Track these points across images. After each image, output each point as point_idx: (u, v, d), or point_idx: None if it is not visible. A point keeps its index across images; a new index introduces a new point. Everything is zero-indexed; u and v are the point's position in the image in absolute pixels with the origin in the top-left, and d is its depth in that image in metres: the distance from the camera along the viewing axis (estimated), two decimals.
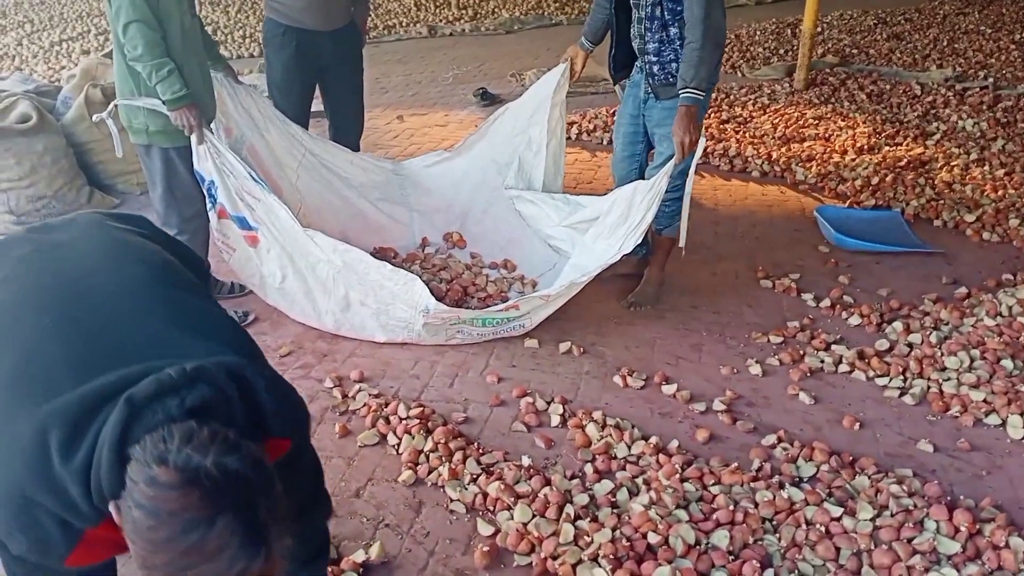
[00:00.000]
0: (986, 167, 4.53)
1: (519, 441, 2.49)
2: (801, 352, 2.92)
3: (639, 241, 2.93)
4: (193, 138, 2.83)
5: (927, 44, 7.66)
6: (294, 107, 3.61)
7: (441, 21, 9.17)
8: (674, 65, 2.91)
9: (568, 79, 3.33)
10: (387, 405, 2.59)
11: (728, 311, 3.26)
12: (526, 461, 2.34)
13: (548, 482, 2.25)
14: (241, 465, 1.01)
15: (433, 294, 2.95)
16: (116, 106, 2.89)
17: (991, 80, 6.28)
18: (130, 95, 2.82)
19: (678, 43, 2.87)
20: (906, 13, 9.24)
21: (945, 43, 7.70)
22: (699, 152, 2.86)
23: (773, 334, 3.04)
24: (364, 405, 2.61)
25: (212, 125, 2.97)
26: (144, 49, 2.67)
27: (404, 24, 8.98)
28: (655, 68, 2.97)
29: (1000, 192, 4.19)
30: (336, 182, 3.53)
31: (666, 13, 2.86)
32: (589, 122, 5.40)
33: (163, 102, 2.75)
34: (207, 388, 1.09)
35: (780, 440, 2.45)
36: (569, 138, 5.22)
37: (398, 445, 2.42)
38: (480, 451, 2.40)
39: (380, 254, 3.47)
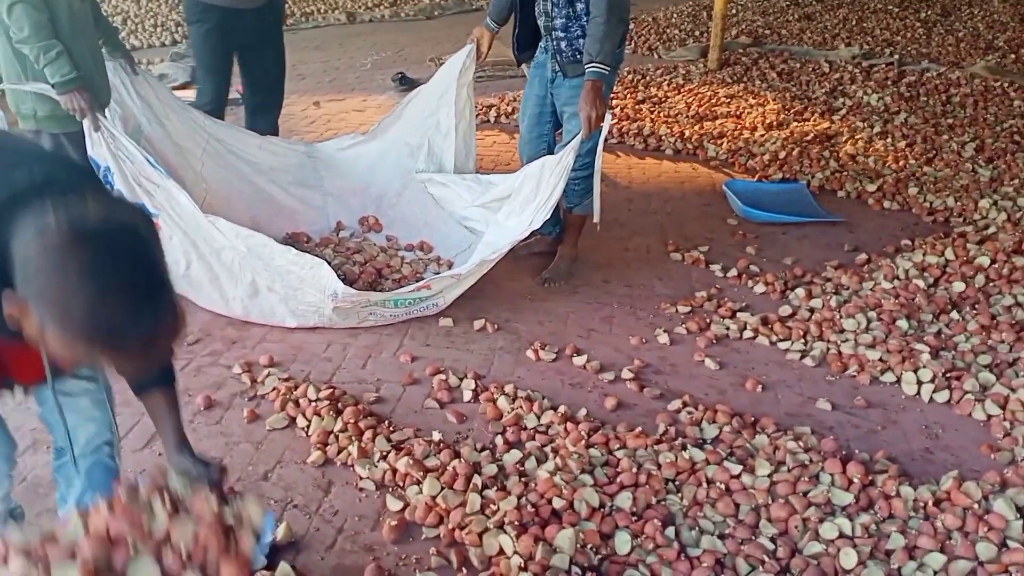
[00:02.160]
0: (889, 139, 4.69)
1: (431, 418, 2.49)
2: (708, 320, 2.99)
3: (547, 217, 2.95)
4: (86, 123, 2.74)
5: (836, 23, 7.88)
6: (215, 84, 3.68)
7: (360, 8, 9.06)
8: (581, 41, 2.93)
9: (475, 61, 3.33)
10: (296, 388, 2.56)
11: (639, 284, 3.31)
12: (437, 436, 2.35)
13: (457, 455, 2.26)
14: (127, 216, 1.13)
15: (346, 277, 2.93)
16: (2, 91, 2.78)
17: (896, 57, 6.50)
18: (16, 79, 2.72)
19: (585, 19, 2.89)
20: None
21: (854, 22, 7.94)
22: (606, 127, 2.89)
23: (681, 304, 3.10)
24: (273, 389, 2.57)
25: (108, 113, 2.88)
26: (31, 30, 2.58)
27: (322, 11, 8.84)
28: (562, 45, 2.99)
29: (901, 163, 4.35)
30: (244, 167, 3.46)
31: None
32: (507, 104, 5.41)
33: (52, 85, 2.65)
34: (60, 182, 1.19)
35: (685, 404, 2.51)
36: (488, 121, 5.24)
37: (307, 427, 2.40)
38: (391, 429, 2.40)
39: (292, 239, 3.42)
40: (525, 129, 3.32)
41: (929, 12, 8.32)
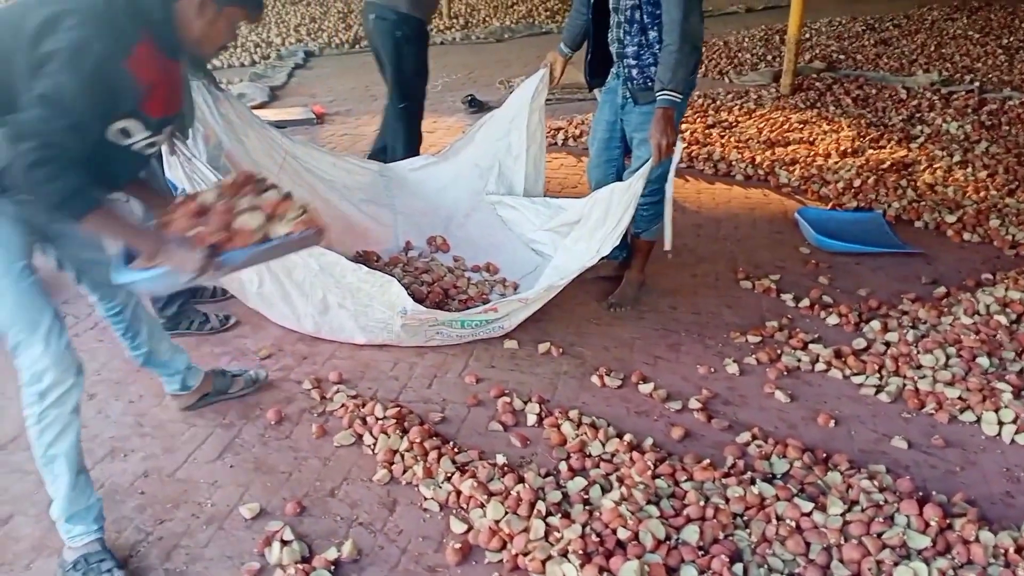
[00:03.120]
0: (968, 169, 4.55)
1: (495, 440, 2.50)
2: (778, 351, 2.93)
3: (617, 243, 2.94)
4: (164, 147, 2.84)
5: (914, 49, 7.71)
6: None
7: (432, 30, 9.20)
8: (653, 69, 2.92)
9: (547, 85, 3.36)
10: (364, 406, 2.60)
11: (707, 312, 3.27)
12: (501, 460, 2.35)
13: (521, 480, 2.26)
14: None
15: (414, 296, 2.96)
16: None
17: (977, 84, 6.32)
18: None
19: (657, 47, 2.88)
20: (895, 19, 9.30)
21: (932, 48, 7.75)
22: (677, 155, 2.87)
23: (751, 334, 3.05)
24: (341, 406, 2.62)
25: (191, 132, 2.98)
26: None
27: None
28: (634, 72, 2.99)
29: (982, 193, 4.21)
30: (318, 184, 3.54)
31: (645, 16, 2.88)
32: (576, 128, 5.43)
33: None
34: None
35: (754, 437, 2.46)
36: (555, 144, 5.26)
37: (374, 445, 2.43)
38: (456, 450, 2.41)
39: (362, 257, 3.49)
40: (594, 153, 3.32)
41: (1012, 39, 8.08)
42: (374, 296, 2.82)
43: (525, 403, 2.64)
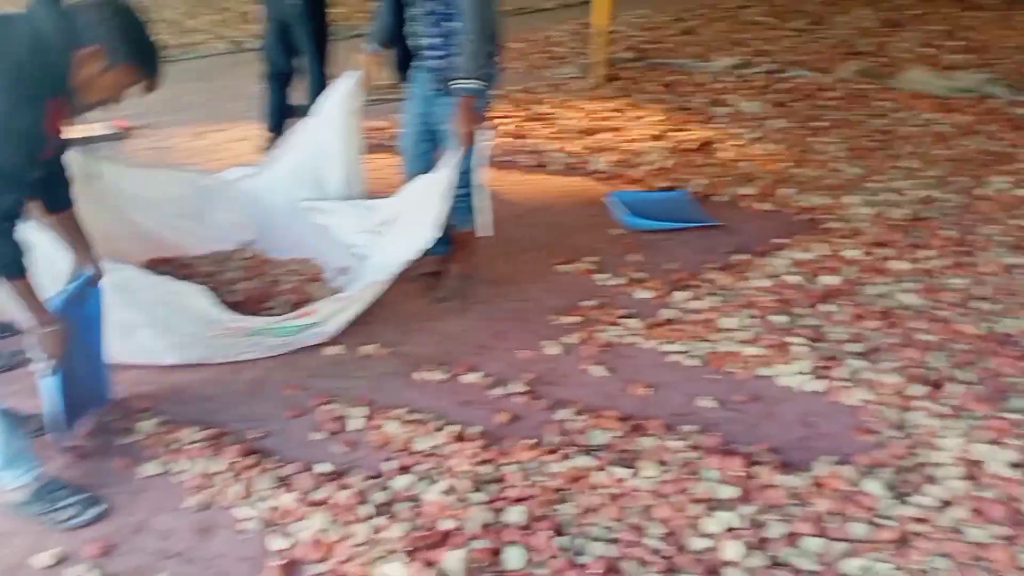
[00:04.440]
0: (763, 144, 4.89)
1: (319, 450, 2.43)
2: (596, 329, 3.03)
3: (436, 235, 2.95)
4: None
5: (716, 36, 8.19)
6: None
7: (246, 35, 8.90)
8: (454, 59, 2.95)
9: (362, 86, 3.32)
10: (173, 431, 2.46)
11: (531, 298, 3.33)
12: (324, 468, 2.29)
13: (345, 486, 2.21)
14: None
15: (228, 306, 2.84)
16: None
17: (771, 65, 6.79)
18: None
19: (456, 37, 2.91)
20: (698, 10, 9.85)
21: (732, 34, 8.27)
22: (485, 142, 2.91)
23: (571, 315, 3.14)
24: (149, 435, 2.47)
25: None
26: None
27: (206, 40, 8.65)
28: (436, 64, 3.00)
29: (775, 166, 4.53)
30: (124, 204, 3.32)
31: (441, 5, 2.90)
32: (399, 127, 5.39)
33: None
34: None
35: (578, 413, 2.53)
36: (379, 144, 5.20)
37: (185, 471, 2.30)
38: (276, 465, 2.33)
39: (168, 267, 3.30)
40: (408, 148, 3.32)
41: (801, 22, 8.75)
42: (180, 308, 2.68)
43: (350, 408, 2.60)
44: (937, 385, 2.53)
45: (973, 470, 2.16)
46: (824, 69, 6.64)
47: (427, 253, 3.12)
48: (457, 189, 3.00)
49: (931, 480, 2.15)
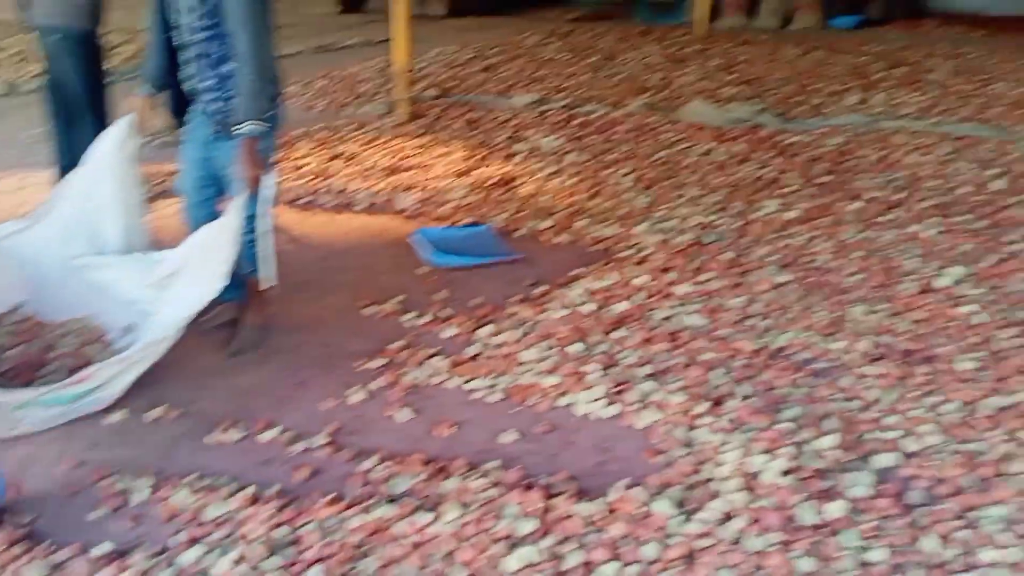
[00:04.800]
0: (561, 178, 5.09)
1: (98, 529, 2.24)
2: (400, 371, 3.00)
3: (223, 285, 2.82)
4: None
5: (515, 72, 8.47)
6: None
7: (23, 77, 8.21)
8: (233, 102, 2.86)
9: (136, 130, 3.13)
10: None
11: (334, 343, 3.26)
12: (104, 549, 2.11)
13: (125, 568, 2.05)
14: None
15: None
16: None
17: (567, 101, 7.10)
18: None
19: (234, 79, 2.83)
20: (498, 47, 10.16)
21: (531, 71, 8.58)
22: (270, 186, 2.85)
23: (376, 358, 3.10)
24: None
25: None
26: None
27: None
28: (215, 106, 2.90)
29: (572, 199, 4.73)
30: None
31: (218, 49, 2.82)
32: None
33: None
34: None
35: (380, 461, 2.48)
36: (165, 192, 4.93)
37: None
38: (49, 551, 2.12)
39: None
40: (189, 195, 3.17)
41: (594, 59, 9.23)
42: None
43: (134, 480, 2.41)
44: (718, 401, 2.71)
45: (751, 482, 2.32)
46: (616, 104, 7.03)
47: (219, 303, 2.99)
48: (247, 235, 2.91)
49: (715, 495, 2.29)
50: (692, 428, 2.60)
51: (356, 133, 6.15)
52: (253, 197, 2.83)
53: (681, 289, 3.55)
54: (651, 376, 2.89)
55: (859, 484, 2.29)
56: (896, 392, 2.78)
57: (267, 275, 2.91)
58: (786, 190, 4.84)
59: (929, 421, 2.61)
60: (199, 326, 3.24)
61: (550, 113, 6.69)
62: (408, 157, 5.54)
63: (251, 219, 2.91)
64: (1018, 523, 2.19)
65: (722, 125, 6.29)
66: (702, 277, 3.67)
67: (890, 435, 2.56)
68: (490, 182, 4.99)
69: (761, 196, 4.74)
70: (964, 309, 3.33)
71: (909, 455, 2.48)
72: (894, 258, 3.84)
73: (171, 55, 3.02)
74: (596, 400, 2.75)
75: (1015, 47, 9.91)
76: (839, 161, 5.40)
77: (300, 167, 5.33)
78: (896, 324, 3.24)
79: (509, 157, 5.56)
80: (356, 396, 2.87)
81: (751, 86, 7.72)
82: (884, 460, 2.45)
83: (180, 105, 3.15)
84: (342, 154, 5.62)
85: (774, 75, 8.21)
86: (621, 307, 3.37)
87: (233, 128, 2.84)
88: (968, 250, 3.93)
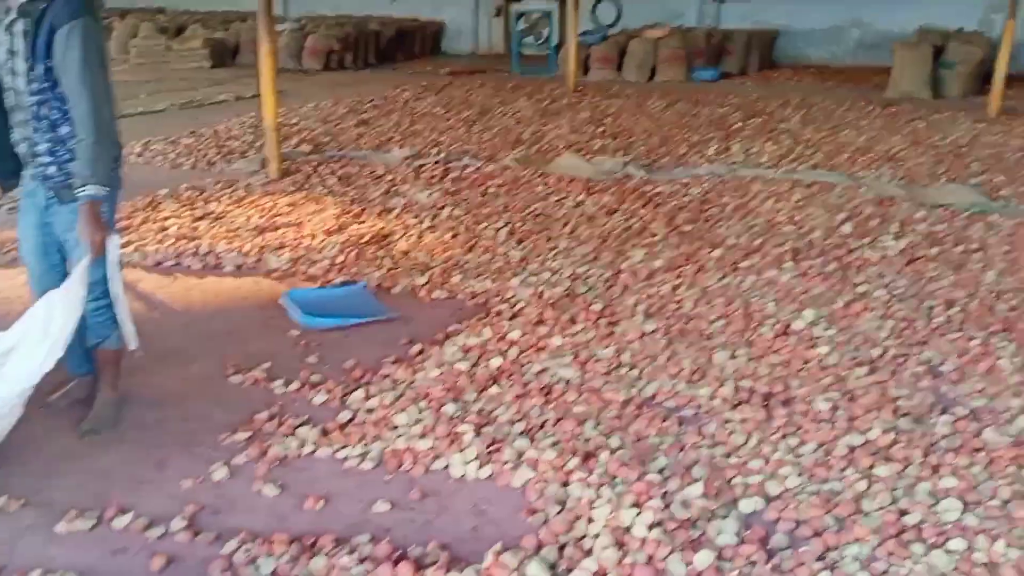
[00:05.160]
0: (436, 233, 5.10)
1: None
2: (268, 443, 2.89)
3: (59, 355, 2.65)
4: None
5: (391, 127, 8.50)
6: None
7: None
8: (71, 165, 2.74)
9: None
10: None
11: (197, 417, 3.10)
12: None
13: None
14: None
15: None
16: None
17: (443, 155, 7.17)
18: None
19: (71, 142, 2.71)
20: (373, 101, 10.19)
21: (406, 125, 8.63)
22: (114, 250, 2.73)
23: (241, 430, 2.97)
24: None
25: None
26: None
27: None
28: (51, 170, 2.77)
29: (448, 253, 4.74)
30: None
31: (53, 112, 2.70)
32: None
33: None
34: None
35: (242, 542, 2.36)
36: (14, 260, 4.63)
37: None
38: None
39: None
40: (31, 265, 2.99)
41: (469, 113, 9.38)
42: None
43: None
44: (589, 456, 2.74)
45: (621, 537, 2.34)
46: (491, 157, 7.15)
47: (75, 376, 2.81)
48: (94, 302, 2.78)
49: (588, 552, 2.30)
50: (566, 484, 2.61)
51: (224, 191, 6.00)
52: (99, 261, 2.71)
53: (554, 341, 3.59)
54: (524, 433, 2.89)
55: (725, 532, 2.34)
56: (758, 436, 2.88)
57: (125, 342, 2.76)
58: (652, 239, 5.01)
59: (789, 463, 2.72)
60: (49, 406, 3.05)
61: (425, 168, 6.73)
62: (279, 215, 5.43)
63: (98, 285, 2.78)
64: (874, 560, 2.29)
65: (592, 177, 6.49)
66: (574, 329, 3.73)
67: (754, 479, 2.64)
68: (365, 239, 4.94)
69: (629, 246, 4.89)
70: (818, 350, 3.51)
71: (772, 499, 2.57)
72: (753, 303, 4.03)
73: (1, 117, 2.86)
74: (470, 461, 2.72)
75: (858, 96, 10.75)
76: (702, 210, 5.65)
77: (164, 228, 5.13)
78: (757, 368, 3.38)
79: (384, 213, 5.54)
80: (219, 473, 2.73)
81: (619, 138, 8.03)
82: (749, 505, 2.52)
83: (9, 170, 2.95)
84: (210, 214, 5.46)
85: (641, 127, 8.57)
86: (496, 362, 3.38)
87: (73, 192, 2.71)
88: (820, 293, 4.16)
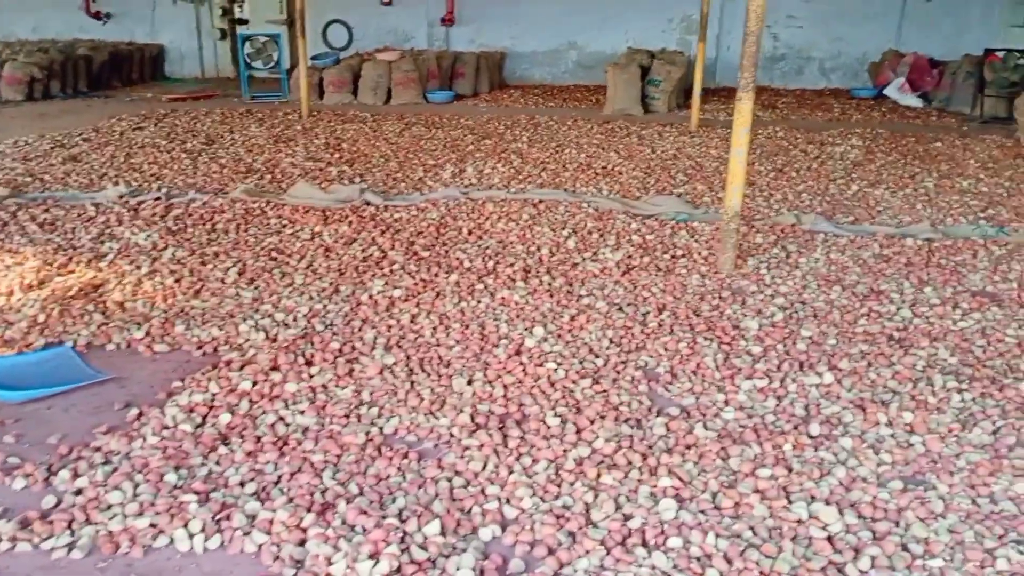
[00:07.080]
0: (157, 278, 4.72)
1: None
2: None
3: None
4: None
5: (104, 162, 7.79)
6: None
7: None
8: None
9: None
10: None
11: None
12: None
13: None
14: None
15: None
16: None
17: (164, 190, 6.68)
18: None
19: None
20: (84, 134, 9.29)
21: (122, 159, 7.95)
22: None
23: None
24: None
25: None
26: None
27: None
28: None
29: (170, 300, 4.40)
30: None
31: None
32: None
33: None
34: None
35: None
36: None
37: None
38: None
39: None
40: None
41: (194, 142, 8.84)
42: None
43: None
44: (327, 507, 2.65)
45: None
46: (219, 190, 6.78)
47: None
48: None
49: None
50: (303, 543, 2.50)
51: None
52: None
53: (289, 388, 3.45)
54: (256, 493, 2.74)
55: (463, 567, 2.37)
56: (494, 460, 2.95)
57: None
58: (392, 268, 5.01)
59: (523, 484, 2.81)
60: None
61: (145, 205, 6.25)
62: None
63: None
64: (603, 571, 2.41)
65: (329, 205, 6.37)
66: (311, 371, 3.61)
67: (491, 505, 2.70)
68: (72, 292, 4.47)
69: (368, 277, 4.85)
70: (548, 366, 3.68)
71: (509, 522, 2.64)
72: (488, 324, 4.15)
73: None
74: (196, 534, 2.52)
75: (578, 115, 11.51)
76: (439, 234, 5.75)
77: None
78: (493, 391, 3.47)
79: (95, 260, 5.05)
80: None
81: (356, 164, 7.97)
82: (488, 533, 2.58)
83: None
84: None
85: (378, 152, 8.57)
86: (225, 419, 3.18)
87: None
88: (549, 309, 4.38)
